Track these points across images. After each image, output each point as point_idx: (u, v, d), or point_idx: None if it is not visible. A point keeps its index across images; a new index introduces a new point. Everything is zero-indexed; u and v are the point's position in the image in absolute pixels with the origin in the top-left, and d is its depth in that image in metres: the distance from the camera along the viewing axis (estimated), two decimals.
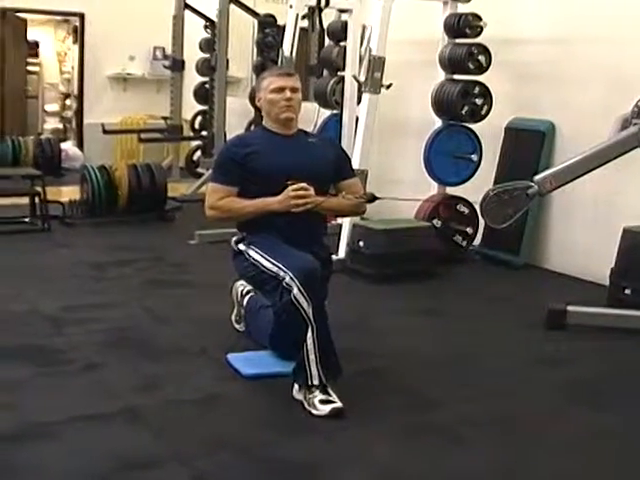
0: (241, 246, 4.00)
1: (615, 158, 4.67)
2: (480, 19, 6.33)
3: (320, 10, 7.13)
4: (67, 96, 14.03)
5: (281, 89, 3.95)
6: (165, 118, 10.76)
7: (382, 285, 5.75)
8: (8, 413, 3.43)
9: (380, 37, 6.09)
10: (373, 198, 4.08)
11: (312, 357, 3.55)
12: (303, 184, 3.79)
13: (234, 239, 4.08)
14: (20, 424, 3.32)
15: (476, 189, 5.75)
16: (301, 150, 4.02)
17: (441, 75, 6.56)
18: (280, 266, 3.65)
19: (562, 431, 3.52)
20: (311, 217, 3.93)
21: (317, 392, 3.54)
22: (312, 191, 3.82)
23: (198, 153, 10.45)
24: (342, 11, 7.52)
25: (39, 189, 7.25)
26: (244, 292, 4.51)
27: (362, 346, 4.37)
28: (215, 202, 3.97)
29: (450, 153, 6.50)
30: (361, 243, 6.01)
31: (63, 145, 11.43)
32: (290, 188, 3.80)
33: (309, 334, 3.54)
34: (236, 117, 9.22)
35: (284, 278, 3.59)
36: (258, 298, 4.34)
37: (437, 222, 6.47)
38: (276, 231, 3.89)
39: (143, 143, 10.78)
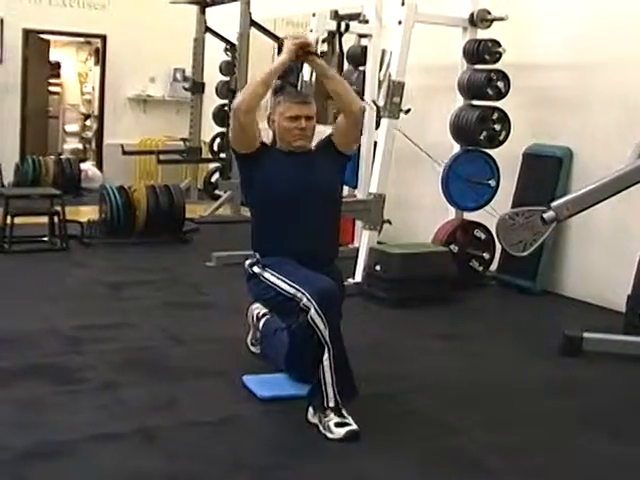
0: (255, 269, 4.00)
1: (633, 185, 4.66)
2: (499, 45, 6.35)
3: (340, 34, 7.18)
4: (87, 117, 14.15)
5: (296, 117, 3.95)
6: (184, 140, 10.82)
7: (398, 309, 5.75)
8: (24, 430, 3.44)
9: (400, 62, 6.12)
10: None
11: (328, 379, 3.55)
12: (296, 34, 3.94)
13: (248, 262, 4.08)
14: (35, 442, 3.33)
15: (493, 215, 5.75)
16: (308, 166, 4.00)
17: (460, 100, 6.58)
18: (297, 287, 3.65)
19: (579, 461, 3.49)
20: (324, 233, 3.97)
21: (332, 415, 3.53)
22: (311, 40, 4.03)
23: (216, 175, 10.48)
24: (362, 36, 7.57)
25: (58, 209, 7.30)
26: (260, 315, 4.51)
27: (378, 370, 4.37)
28: (238, 97, 3.95)
29: (468, 178, 6.51)
30: (378, 267, 6.00)
31: (83, 165, 11.53)
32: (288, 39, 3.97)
33: (325, 356, 3.54)
34: None
35: (301, 299, 3.60)
36: (274, 321, 4.34)
37: (454, 247, 6.47)
38: (290, 253, 3.90)
39: (162, 164, 10.84)
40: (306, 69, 6.86)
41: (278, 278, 3.81)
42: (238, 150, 4.03)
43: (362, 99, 6.68)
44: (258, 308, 4.53)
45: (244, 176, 4.09)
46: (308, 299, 3.57)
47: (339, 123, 4.06)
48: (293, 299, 3.66)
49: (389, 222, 6.51)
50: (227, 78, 10.02)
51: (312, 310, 3.54)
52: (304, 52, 3.99)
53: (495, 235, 4.89)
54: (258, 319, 4.51)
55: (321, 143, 4.14)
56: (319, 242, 3.95)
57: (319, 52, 4.06)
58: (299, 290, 3.64)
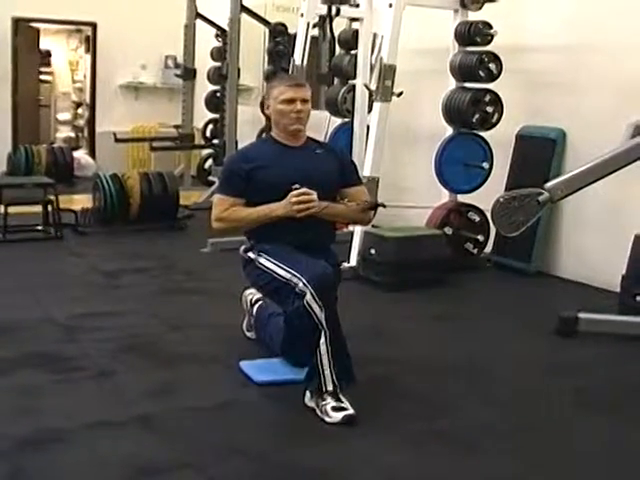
0: (251, 254, 4.01)
1: (626, 165, 4.67)
2: (491, 27, 6.34)
3: (331, 19, 7.18)
4: (79, 105, 14.10)
5: (291, 100, 3.93)
6: (177, 127, 10.81)
7: (393, 293, 5.76)
8: (22, 419, 3.45)
9: (391, 45, 6.11)
10: (376, 205, 4.09)
11: (325, 363, 3.57)
12: (305, 189, 3.77)
13: (243, 248, 4.09)
14: (33, 430, 3.34)
15: (487, 197, 5.75)
16: (306, 162, 4.00)
17: (452, 83, 6.58)
18: (293, 272, 3.66)
19: (574, 439, 3.52)
20: (320, 224, 3.94)
21: (329, 399, 3.55)
22: (315, 196, 3.79)
23: (210, 161, 10.47)
24: (353, 20, 7.56)
25: (52, 197, 7.29)
26: (253, 301, 4.53)
27: (374, 353, 4.38)
28: (220, 213, 3.97)
29: (461, 161, 6.51)
30: (372, 251, 6.02)
31: (75, 154, 11.50)
32: (292, 193, 3.78)
33: (322, 340, 3.56)
34: (247, 125, 9.25)
35: (297, 284, 3.60)
36: (268, 306, 4.36)
37: (448, 230, 6.48)
38: (285, 239, 3.90)
39: (155, 151, 10.82)
40: (297, 54, 6.86)
41: (273, 264, 3.82)
42: None
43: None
44: (251, 294, 4.54)
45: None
46: (304, 284, 3.58)
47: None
48: (288, 284, 3.66)
49: (383, 205, 6.50)
50: (219, 64, 10.00)
51: (308, 295, 3.55)
52: (305, 212, 3.78)
53: (490, 219, 4.89)
54: (252, 305, 4.53)
55: (335, 155, 4.20)
56: (316, 229, 3.95)
57: (323, 206, 3.83)
58: (295, 275, 3.64)
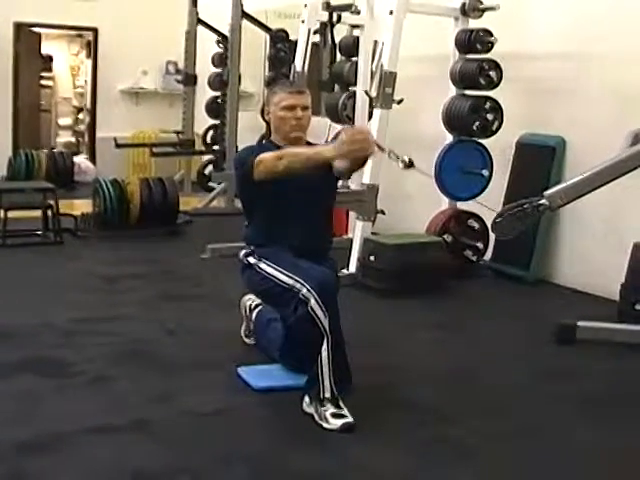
0: (251, 259, 4.01)
1: (626, 173, 4.67)
2: (491, 35, 6.36)
3: (332, 25, 7.19)
4: (80, 110, 14.14)
5: (292, 107, 3.93)
6: (177, 132, 10.82)
7: (393, 300, 5.76)
8: (20, 424, 3.45)
9: (392, 52, 6.12)
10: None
11: (326, 370, 3.57)
12: (357, 128, 3.61)
13: (242, 252, 4.08)
14: (32, 434, 3.34)
15: (487, 204, 5.77)
16: None
17: (452, 90, 6.59)
18: (296, 278, 3.66)
19: (573, 446, 3.51)
20: (319, 231, 3.98)
21: (329, 405, 3.55)
22: (371, 135, 3.60)
23: (210, 167, 10.48)
24: (354, 26, 7.57)
25: (52, 202, 7.30)
26: (252, 306, 4.53)
27: (373, 360, 4.37)
28: (273, 156, 3.70)
29: (461, 168, 6.52)
30: (372, 258, 6.02)
31: (76, 159, 11.52)
32: (346, 130, 3.53)
33: (324, 346, 3.56)
34: (248, 132, 9.25)
35: (300, 290, 3.60)
36: (267, 312, 4.36)
37: (448, 237, 6.48)
38: (285, 245, 3.90)
39: (155, 157, 10.84)
40: (298, 60, 6.87)
41: (275, 269, 3.82)
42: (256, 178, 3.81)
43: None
44: (251, 299, 4.54)
45: (246, 195, 4.05)
46: (308, 290, 3.57)
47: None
48: (291, 290, 3.66)
49: (383, 212, 6.52)
50: (219, 70, 10.01)
51: (312, 301, 3.55)
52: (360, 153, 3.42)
53: (490, 229, 4.90)
54: (251, 310, 4.53)
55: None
56: (314, 235, 3.96)
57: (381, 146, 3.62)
58: (298, 281, 3.64)
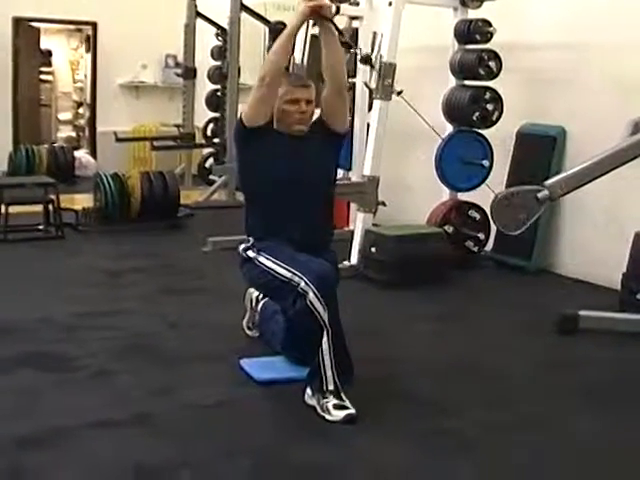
0: (250, 253, 4.00)
1: (626, 162, 4.66)
2: (490, 25, 6.34)
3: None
4: (80, 104, 14.12)
5: (296, 101, 3.94)
6: (177, 126, 10.80)
7: (394, 291, 5.76)
8: (22, 418, 3.46)
9: (391, 43, 6.11)
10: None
11: (327, 362, 3.57)
12: None
13: (242, 246, 4.07)
14: (34, 429, 3.35)
15: (487, 194, 5.76)
16: (305, 150, 3.97)
17: (452, 81, 6.58)
18: (295, 271, 3.65)
19: (576, 436, 3.52)
20: (319, 223, 3.98)
21: (331, 397, 3.55)
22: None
23: (210, 160, 10.46)
24: (353, 18, 7.55)
25: (53, 197, 7.29)
26: (259, 298, 4.53)
27: (374, 352, 4.38)
28: (258, 80, 3.86)
29: (461, 159, 6.51)
30: (373, 249, 6.02)
31: (76, 153, 11.51)
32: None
33: (324, 339, 3.56)
34: None
35: (299, 283, 3.60)
36: (272, 304, 4.35)
37: (449, 228, 6.47)
38: (284, 237, 3.90)
39: (155, 151, 10.82)
40: (297, 52, 6.86)
41: (274, 262, 3.81)
42: (250, 124, 3.90)
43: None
44: (257, 291, 4.54)
45: (244, 157, 4.04)
46: (306, 283, 3.57)
47: (327, 100, 4.02)
48: (290, 283, 3.66)
49: (384, 204, 6.51)
50: (219, 63, 9.99)
51: (310, 294, 3.55)
52: (318, 15, 3.88)
53: (490, 215, 4.90)
54: (257, 302, 4.53)
55: (314, 126, 4.07)
56: (314, 228, 3.96)
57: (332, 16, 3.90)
58: (296, 274, 3.64)
